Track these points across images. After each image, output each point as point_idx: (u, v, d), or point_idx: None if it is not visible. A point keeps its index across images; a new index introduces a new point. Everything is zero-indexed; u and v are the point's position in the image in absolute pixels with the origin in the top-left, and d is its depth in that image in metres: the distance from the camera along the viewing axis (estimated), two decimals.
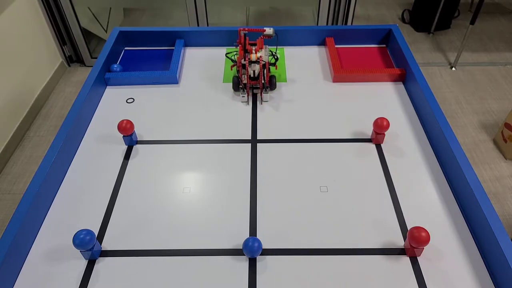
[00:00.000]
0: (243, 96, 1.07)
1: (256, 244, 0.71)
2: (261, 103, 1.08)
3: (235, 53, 1.22)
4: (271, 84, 1.09)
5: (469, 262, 0.73)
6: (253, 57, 1.01)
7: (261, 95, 1.08)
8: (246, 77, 1.04)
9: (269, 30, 1.04)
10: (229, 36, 1.29)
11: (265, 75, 1.06)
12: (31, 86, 2.32)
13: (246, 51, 1.03)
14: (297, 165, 0.91)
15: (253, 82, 1.05)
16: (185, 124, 1.03)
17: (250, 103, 1.08)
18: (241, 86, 1.08)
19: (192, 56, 1.28)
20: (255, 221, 0.80)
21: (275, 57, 1.14)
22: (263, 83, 1.07)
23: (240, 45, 1.06)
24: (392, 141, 0.97)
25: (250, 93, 1.10)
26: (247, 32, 1.03)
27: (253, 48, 1.05)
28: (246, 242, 0.72)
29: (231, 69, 1.15)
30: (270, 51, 1.14)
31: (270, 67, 1.13)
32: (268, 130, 1.01)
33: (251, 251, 0.71)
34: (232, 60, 1.13)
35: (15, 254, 0.72)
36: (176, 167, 0.91)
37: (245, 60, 1.02)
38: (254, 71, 1.03)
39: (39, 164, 0.84)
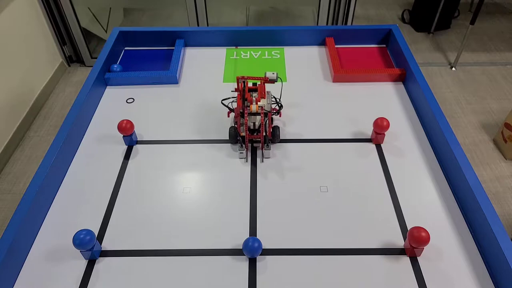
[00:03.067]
0: (241, 152, 0.91)
1: (256, 244, 0.71)
2: (262, 161, 0.92)
3: (232, 99, 1.05)
4: (274, 136, 0.93)
5: (469, 262, 0.73)
6: (254, 108, 0.86)
7: (262, 150, 0.92)
8: (244, 129, 0.88)
9: (272, 75, 0.91)
10: (229, 36, 1.29)
11: (267, 127, 0.91)
12: (31, 86, 2.32)
13: (245, 100, 0.88)
14: (297, 165, 0.91)
15: (253, 136, 0.90)
16: (185, 124, 1.03)
17: (249, 159, 0.92)
18: (239, 139, 0.93)
19: (192, 56, 1.28)
20: (255, 221, 0.80)
21: (279, 104, 0.99)
22: (264, 136, 0.91)
23: (238, 93, 0.92)
24: (392, 141, 0.97)
25: (250, 147, 0.95)
26: (246, 80, 0.89)
27: (254, 96, 0.91)
28: (246, 242, 0.72)
29: (228, 116, 1.00)
30: (274, 97, 1.00)
31: (273, 116, 0.99)
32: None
33: (251, 251, 0.71)
34: (229, 108, 0.98)
35: (15, 254, 0.72)
36: (176, 167, 0.91)
37: (244, 110, 0.87)
38: (254, 123, 0.89)
39: (39, 164, 0.84)
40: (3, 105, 2.04)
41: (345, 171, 0.90)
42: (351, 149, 0.95)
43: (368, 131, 1.00)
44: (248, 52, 1.29)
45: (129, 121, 0.94)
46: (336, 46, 1.30)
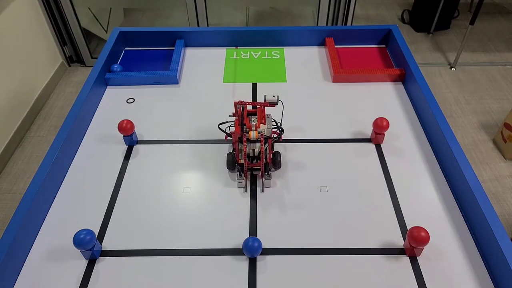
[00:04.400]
0: (239, 182, 0.85)
1: (256, 244, 0.71)
2: (262, 191, 0.86)
3: (230, 124, 0.98)
4: (275, 163, 0.87)
5: (469, 262, 0.73)
6: (253, 135, 0.80)
7: (262, 179, 0.86)
8: (243, 155, 0.82)
9: (272, 99, 0.84)
10: (229, 36, 1.30)
11: (268, 153, 0.85)
12: (32, 86, 2.32)
13: (243, 126, 0.83)
14: (297, 165, 0.91)
15: (252, 164, 0.85)
16: (185, 124, 1.03)
17: (249, 189, 0.86)
18: (237, 166, 0.86)
19: (192, 56, 1.28)
20: (255, 221, 0.80)
21: (280, 129, 0.92)
22: (265, 164, 0.85)
23: (236, 118, 0.86)
24: (391, 141, 0.97)
25: (249, 175, 0.89)
26: (244, 105, 0.84)
27: (253, 121, 0.85)
28: (246, 242, 0.72)
29: (226, 139, 0.94)
30: (274, 121, 0.93)
31: (274, 143, 0.93)
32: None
33: (251, 251, 0.71)
34: (226, 133, 0.90)
35: (15, 254, 0.72)
36: (176, 167, 0.92)
37: (242, 136, 0.82)
38: (253, 150, 0.84)
39: (39, 164, 0.84)
40: (3, 105, 2.04)
41: (345, 171, 0.90)
42: (351, 149, 0.95)
43: (368, 131, 1.00)
44: (248, 52, 1.29)
45: (129, 121, 0.94)
46: (336, 46, 1.30)
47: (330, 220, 0.80)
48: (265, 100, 0.84)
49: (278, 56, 1.27)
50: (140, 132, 1.01)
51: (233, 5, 3.07)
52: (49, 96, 2.47)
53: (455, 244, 0.76)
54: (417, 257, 0.74)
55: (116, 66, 1.19)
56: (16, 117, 2.16)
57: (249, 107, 0.86)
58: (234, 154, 0.87)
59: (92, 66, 2.42)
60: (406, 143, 0.97)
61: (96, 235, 0.78)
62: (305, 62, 1.24)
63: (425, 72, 2.61)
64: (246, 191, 0.85)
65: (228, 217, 0.81)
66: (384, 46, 1.32)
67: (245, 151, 0.81)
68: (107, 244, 0.77)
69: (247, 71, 1.21)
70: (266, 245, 0.76)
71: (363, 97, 1.11)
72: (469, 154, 2.06)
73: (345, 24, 2.43)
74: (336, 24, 2.45)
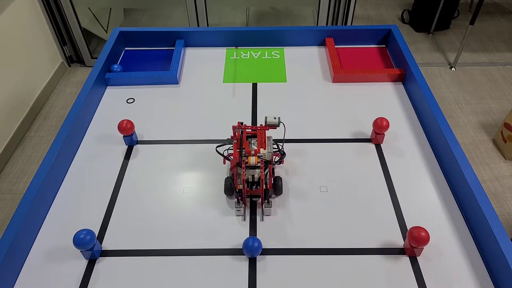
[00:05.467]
0: (238, 210, 0.80)
1: (256, 244, 0.71)
2: (262, 219, 0.80)
3: (228, 146, 0.91)
4: (276, 188, 0.82)
5: (469, 262, 0.73)
6: (253, 160, 0.75)
7: (262, 206, 0.81)
8: (242, 181, 0.77)
9: (273, 120, 0.80)
10: (229, 36, 1.30)
11: (268, 178, 0.80)
12: (32, 86, 2.32)
13: (242, 150, 0.78)
14: (297, 165, 0.91)
15: (252, 191, 0.80)
16: (185, 124, 1.03)
17: (248, 217, 0.81)
18: (236, 191, 0.80)
19: (192, 56, 1.28)
20: (255, 221, 0.80)
21: (282, 152, 0.85)
22: (265, 190, 0.79)
23: (234, 141, 0.81)
24: (391, 141, 0.97)
25: (248, 202, 0.83)
26: (244, 129, 0.79)
27: (253, 144, 0.80)
28: (246, 242, 0.72)
29: (224, 163, 0.89)
30: (275, 143, 0.87)
31: (274, 167, 0.88)
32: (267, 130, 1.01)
33: (251, 251, 0.71)
34: (224, 157, 0.83)
35: (15, 254, 0.72)
36: (176, 167, 0.92)
37: (241, 162, 0.77)
38: (253, 176, 0.78)
39: (39, 164, 0.84)
40: (3, 105, 2.04)
41: (345, 171, 0.90)
42: (351, 149, 0.95)
43: (368, 131, 1.00)
44: (248, 52, 1.29)
45: (129, 121, 0.94)
46: (336, 46, 1.30)
47: (330, 220, 0.80)
48: (265, 122, 0.80)
49: (278, 56, 1.27)
50: (140, 132, 1.01)
51: (233, 5, 3.06)
52: (49, 96, 2.47)
53: (455, 244, 0.76)
54: (417, 257, 0.74)
55: (116, 66, 1.19)
56: (16, 117, 2.16)
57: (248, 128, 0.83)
58: (233, 179, 0.81)
59: (92, 66, 2.42)
60: (406, 143, 0.97)
61: (96, 235, 0.78)
62: (305, 62, 1.25)
63: (425, 72, 2.61)
64: (244, 220, 0.80)
65: (228, 217, 0.81)
66: (384, 46, 1.32)
67: (243, 179, 0.76)
68: (107, 244, 0.77)
69: (247, 71, 1.22)
70: (266, 245, 0.76)
71: (363, 97, 1.11)
72: (469, 154, 2.06)
73: (345, 24, 2.43)
74: (336, 24, 2.45)
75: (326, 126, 1.02)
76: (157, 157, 0.94)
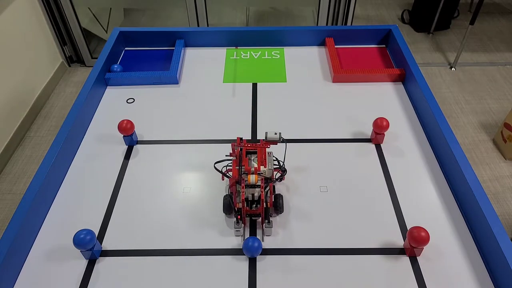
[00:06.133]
0: (237, 230, 0.76)
1: (256, 244, 0.71)
2: (262, 240, 0.77)
3: (228, 163, 0.86)
4: (277, 207, 0.79)
5: (469, 262, 0.73)
6: (252, 179, 0.72)
7: (262, 225, 0.77)
8: (241, 199, 0.74)
9: (274, 136, 0.76)
10: (229, 36, 1.30)
11: (268, 197, 0.77)
12: (32, 86, 2.32)
13: (241, 167, 0.74)
14: (297, 165, 0.91)
15: (252, 211, 0.76)
16: (185, 124, 1.03)
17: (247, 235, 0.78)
18: (235, 209, 0.77)
19: (192, 56, 1.28)
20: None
21: (283, 168, 0.81)
22: (265, 209, 0.75)
23: (234, 158, 0.77)
24: (392, 141, 0.97)
25: (247, 221, 0.79)
26: (243, 147, 0.75)
27: (252, 161, 0.76)
28: (246, 242, 0.72)
29: (222, 179, 0.84)
30: (277, 159, 0.83)
31: (275, 185, 0.85)
32: (268, 130, 1.01)
33: (251, 251, 0.71)
34: (223, 174, 0.79)
35: (15, 254, 0.72)
36: (176, 167, 0.92)
37: (240, 180, 0.73)
38: (253, 194, 0.75)
39: (39, 164, 0.84)
40: (3, 105, 2.04)
41: (345, 171, 0.90)
42: (351, 149, 0.95)
43: (368, 131, 1.00)
44: (248, 52, 1.29)
45: (129, 121, 0.94)
46: (336, 46, 1.30)
47: (330, 220, 0.80)
48: (266, 138, 0.76)
49: (278, 56, 1.27)
50: (140, 132, 1.01)
51: (233, 5, 3.07)
52: (49, 96, 2.47)
53: (455, 244, 0.76)
54: (417, 257, 0.74)
55: (116, 66, 1.19)
56: (16, 117, 2.16)
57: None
58: (231, 197, 0.78)
59: (92, 66, 2.42)
60: (406, 143, 0.97)
61: (96, 235, 0.78)
62: (305, 62, 1.25)
63: (425, 72, 2.61)
64: (244, 239, 0.75)
65: (228, 217, 0.81)
66: (384, 46, 1.32)
67: (243, 198, 0.73)
68: (107, 244, 0.77)
69: (247, 71, 1.22)
70: (266, 245, 0.76)
71: (363, 97, 1.11)
72: (469, 154, 2.06)
73: (345, 24, 2.43)
74: (336, 24, 2.45)
75: (326, 126, 1.02)
76: (157, 157, 0.94)
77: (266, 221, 0.76)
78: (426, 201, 0.83)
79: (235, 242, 0.76)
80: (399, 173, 0.89)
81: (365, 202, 0.83)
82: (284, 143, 0.83)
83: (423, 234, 0.70)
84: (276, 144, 0.77)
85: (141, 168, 0.92)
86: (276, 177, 0.81)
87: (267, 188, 0.76)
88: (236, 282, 0.70)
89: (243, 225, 0.77)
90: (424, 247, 0.72)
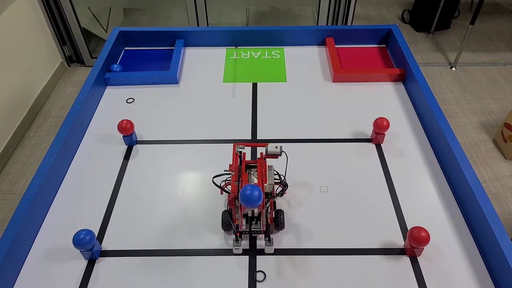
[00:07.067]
0: (236, 248, 0.73)
1: (256, 193, 0.62)
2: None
3: (226, 178, 0.81)
4: (277, 223, 0.76)
5: (469, 262, 0.73)
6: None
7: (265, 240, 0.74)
8: (240, 217, 0.73)
9: (275, 149, 0.73)
10: (229, 36, 1.29)
11: (269, 213, 0.74)
12: (31, 86, 2.32)
13: (241, 183, 0.72)
14: (297, 165, 0.91)
15: (253, 234, 0.75)
16: (185, 124, 1.03)
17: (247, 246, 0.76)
18: (234, 226, 0.74)
19: (192, 56, 1.28)
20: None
21: (284, 183, 0.79)
22: (266, 226, 0.73)
23: (233, 173, 0.74)
24: (392, 141, 0.97)
25: (247, 237, 0.77)
26: (243, 148, 0.73)
27: (252, 175, 0.75)
28: (243, 190, 0.62)
29: (221, 194, 0.81)
30: (277, 173, 0.81)
31: (275, 200, 0.82)
32: (268, 130, 1.01)
33: (251, 201, 0.62)
34: (222, 189, 0.76)
35: (15, 254, 0.72)
36: (176, 167, 0.91)
37: (238, 198, 0.69)
38: (252, 210, 0.73)
39: (39, 164, 0.84)
40: (3, 105, 2.04)
41: (345, 171, 0.90)
42: (351, 149, 0.95)
43: (368, 131, 1.00)
44: (248, 52, 1.29)
45: (129, 121, 0.94)
46: (336, 46, 1.30)
47: (330, 220, 0.80)
48: (266, 151, 0.74)
49: (278, 56, 1.27)
50: (140, 132, 1.00)
51: (233, 5, 3.06)
52: (49, 96, 2.47)
53: (455, 244, 0.75)
54: (418, 257, 0.73)
55: (115, 66, 1.19)
56: (15, 117, 2.16)
57: (247, 149, 0.77)
58: (230, 213, 0.75)
59: (91, 66, 2.41)
60: (406, 143, 0.96)
61: (96, 235, 0.78)
62: (305, 62, 1.24)
63: (426, 72, 2.61)
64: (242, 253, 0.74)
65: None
66: (384, 46, 1.32)
67: (242, 218, 0.72)
68: (107, 244, 0.77)
69: (247, 71, 1.21)
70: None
71: (363, 97, 1.11)
72: (470, 154, 2.06)
73: (345, 24, 2.43)
74: (336, 24, 2.44)
75: (326, 126, 1.02)
76: (157, 157, 0.94)
77: (267, 239, 0.73)
78: (427, 201, 0.83)
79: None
80: (400, 173, 0.89)
81: (366, 202, 0.83)
82: (286, 157, 0.79)
83: (423, 234, 0.69)
84: (277, 158, 0.75)
85: (141, 168, 0.92)
86: (277, 192, 0.77)
87: (268, 204, 0.73)
88: (236, 282, 0.70)
89: (241, 243, 0.74)
90: (424, 247, 0.72)
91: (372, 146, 0.96)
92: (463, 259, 0.73)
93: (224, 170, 0.80)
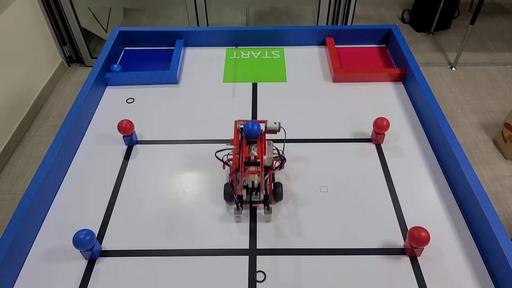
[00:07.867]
0: (237, 216, 0.79)
1: (256, 127, 0.73)
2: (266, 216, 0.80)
3: (228, 152, 0.90)
4: (276, 194, 0.81)
5: (469, 262, 0.73)
6: (252, 169, 0.76)
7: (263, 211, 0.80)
8: (240, 187, 0.77)
9: (273, 125, 0.79)
10: (229, 36, 1.29)
11: (268, 185, 0.79)
12: (31, 86, 2.32)
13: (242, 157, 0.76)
14: (297, 165, 0.91)
15: (254, 204, 0.80)
16: (185, 124, 1.03)
17: (248, 217, 0.81)
18: (236, 197, 0.79)
19: (192, 56, 1.28)
20: (255, 221, 0.80)
21: (282, 157, 0.84)
22: (265, 196, 0.78)
23: (234, 147, 0.79)
24: (392, 141, 0.97)
25: (248, 207, 0.83)
26: (243, 124, 0.77)
27: (253, 149, 0.78)
28: (246, 125, 0.75)
29: (223, 168, 0.86)
30: (276, 149, 0.86)
31: (274, 173, 0.86)
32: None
33: (252, 130, 0.75)
34: (224, 162, 0.83)
35: (15, 254, 0.72)
36: (176, 167, 0.91)
37: (239, 170, 0.76)
38: (253, 182, 0.78)
39: (39, 164, 0.84)
40: (3, 105, 2.04)
41: (345, 171, 0.90)
42: (351, 149, 0.95)
43: (368, 131, 1.00)
44: (248, 52, 1.29)
45: (129, 121, 0.94)
46: (336, 46, 1.30)
47: (330, 220, 0.80)
48: (265, 127, 0.79)
49: (278, 56, 1.27)
50: (140, 132, 1.00)
51: (233, 5, 3.07)
52: (49, 96, 2.47)
53: (455, 244, 0.75)
54: (418, 257, 0.73)
55: (115, 66, 1.19)
56: (15, 117, 2.16)
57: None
58: (232, 185, 0.80)
59: (91, 66, 2.41)
60: (406, 143, 0.96)
61: (96, 235, 0.78)
62: (305, 62, 1.24)
63: (426, 72, 2.61)
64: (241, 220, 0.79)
65: (228, 217, 0.81)
66: (384, 46, 1.32)
67: (242, 177, 0.76)
68: (107, 244, 0.77)
69: (247, 71, 1.21)
70: (266, 245, 0.75)
71: (363, 97, 1.11)
72: (470, 154, 2.06)
73: (345, 24, 2.43)
74: (336, 24, 2.45)
75: (326, 126, 1.02)
76: (157, 157, 0.94)
77: (266, 207, 0.78)
78: (427, 201, 0.83)
79: (235, 242, 0.76)
80: (400, 173, 0.89)
81: (365, 202, 0.83)
82: (284, 133, 0.87)
83: (423, 234, 0.69)
84: (276, 133, 0.80)
85: (141, 168, 0.92)
86: (276, 166, 0.83)
87: (267, 176, 0.78)
88: (236, 282, 0.70)
89: (242, 211, 0.80)
90: (424, 247, 0.72)
91: (372, 146, 0.96)
92: (463, 259, 0.73)
93: (226, 145, 0.85)
